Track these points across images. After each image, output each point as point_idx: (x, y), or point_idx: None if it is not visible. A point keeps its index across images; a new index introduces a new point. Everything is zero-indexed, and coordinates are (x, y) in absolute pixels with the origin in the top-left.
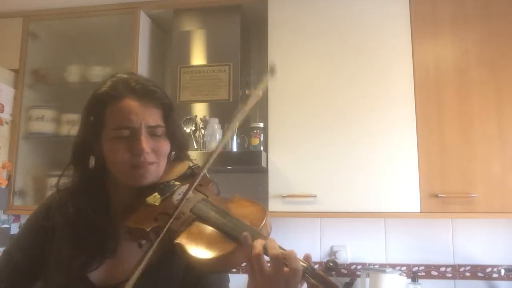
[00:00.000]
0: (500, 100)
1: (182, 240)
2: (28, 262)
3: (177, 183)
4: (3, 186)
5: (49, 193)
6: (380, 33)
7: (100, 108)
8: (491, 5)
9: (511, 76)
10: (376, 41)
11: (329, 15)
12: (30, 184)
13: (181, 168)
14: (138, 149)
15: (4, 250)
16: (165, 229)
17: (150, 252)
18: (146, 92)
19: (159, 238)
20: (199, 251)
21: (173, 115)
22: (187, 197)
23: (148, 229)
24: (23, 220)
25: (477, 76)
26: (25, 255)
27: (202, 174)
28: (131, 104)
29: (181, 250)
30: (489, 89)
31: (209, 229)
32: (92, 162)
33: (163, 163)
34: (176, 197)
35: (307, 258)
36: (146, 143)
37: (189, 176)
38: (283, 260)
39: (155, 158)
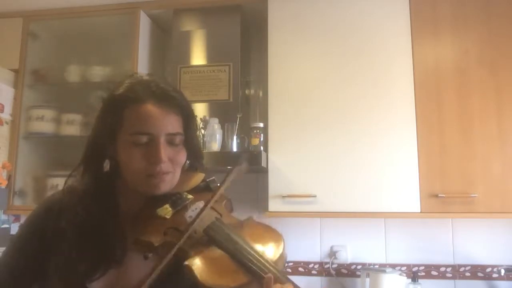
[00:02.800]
0: (500, 100)
1: (192, 262)
2: (26, 266)
3: (190, 196)
4: (3, 186)
5: (49, 193)
6: (380, 33)
7: (117, 110)
8: (491, 5)
9: (511, 76)
10: (376, 41)
11: (329, 15)
12: (30, 184)
13: (195, 180)
14: (156, 158)
15: (2, 253)
16: (175, 248)
17: (157, 271)
18: (167, 98)
19: (168, 257)
20: (210, 278)
21: (192, 123)
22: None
23: (157, 244)
24: (23, 220)
25: (477, 76)
26: (24, 259)
27: (216, 193)
28: (152, 109)
29: (191, 273)
30: (489, 89)
31: (222, 255)
32: (107, 166)
33: (178, 172)
34: (189, 213)
35: None
36: (164, 152)
37: (203, 189)
38: None
39: (171, 167)
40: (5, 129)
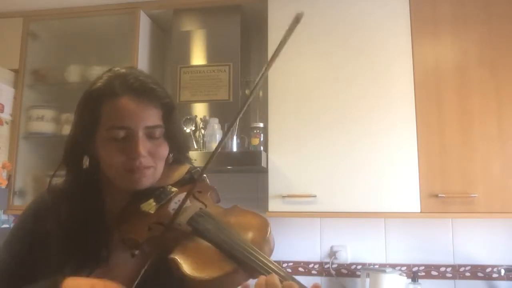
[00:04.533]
0: (500, 100)
1: (177, 255)
2: (17, 269)
3: (174, 189)
4: (3, 186)
5: None
6: (380, 33)
7: (94, 105)
8: (491, 5)
9: (511, 76)
10: (376, 41)
11: (329, 15)
12: (30, 184)
13: (180, 172)
14: (134, 152)
15: None
16: (158, 243)
17: (146, 267)
18: (145, 90)
19: (154, 254)
20: (195, 270)
21: (173, 115)
22: (184, 205)
23: (142, 241)
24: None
25: (477, 76)
26: (14, 262)
27: (198, 181)
28: (128, 103)
29: (176, 266)
30: (489, 89)
31: (206, 245)
32: (86, 162)
33: (160, 166)
34: (172, 205)
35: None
36: (142, 146)
37: (188, 181)
38: None
39: (152, 161)
40: (5, 129)
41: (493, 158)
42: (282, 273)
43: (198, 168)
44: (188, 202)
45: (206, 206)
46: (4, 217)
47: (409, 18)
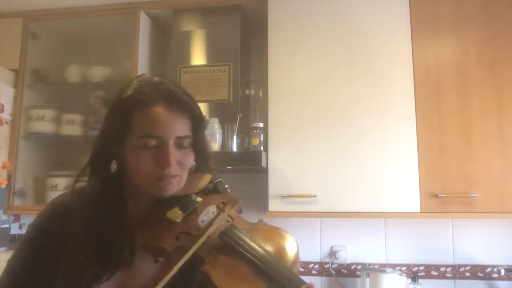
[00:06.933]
0: (500, 100)
1: (209, 269)
2: (35, 270)
3: (199, 199)
4: (3, 186)
5: (49, 193)
6: (380, 33)
7: (126, 113)
8: (491, 5)
9: (511, 76)
10: (376, 41)
11: (329, 15)
12: (30, 184)
13: (203, 181)
14: (165, 161)
15: (10, 258)
16: (189, 255)
17: (168, 278)
18: (177, 101)
19: (180, 263)
20: (228, 286)
21: (201, 126)
22: (212, 218)
23: (170, 250)
24: (23, 220)
25: (477, 76)
26: (32, 263)
27: (232, 204)
28: (161, 112)
29: (208, 280)
30: (489, 89)
31: (238, 261)
32: (114, 166)
33: (185, 175)
34: (201, 217)
35: None
36: (173, 156)
37: (211, 191)
38: None
39: (179, 170)
40: (5, 129)
41: (493, 158)
42: None
43: (220, 179)
44: (215, 214)
45: (232, 219)
46: (4, 217)
47: (409, 18)
